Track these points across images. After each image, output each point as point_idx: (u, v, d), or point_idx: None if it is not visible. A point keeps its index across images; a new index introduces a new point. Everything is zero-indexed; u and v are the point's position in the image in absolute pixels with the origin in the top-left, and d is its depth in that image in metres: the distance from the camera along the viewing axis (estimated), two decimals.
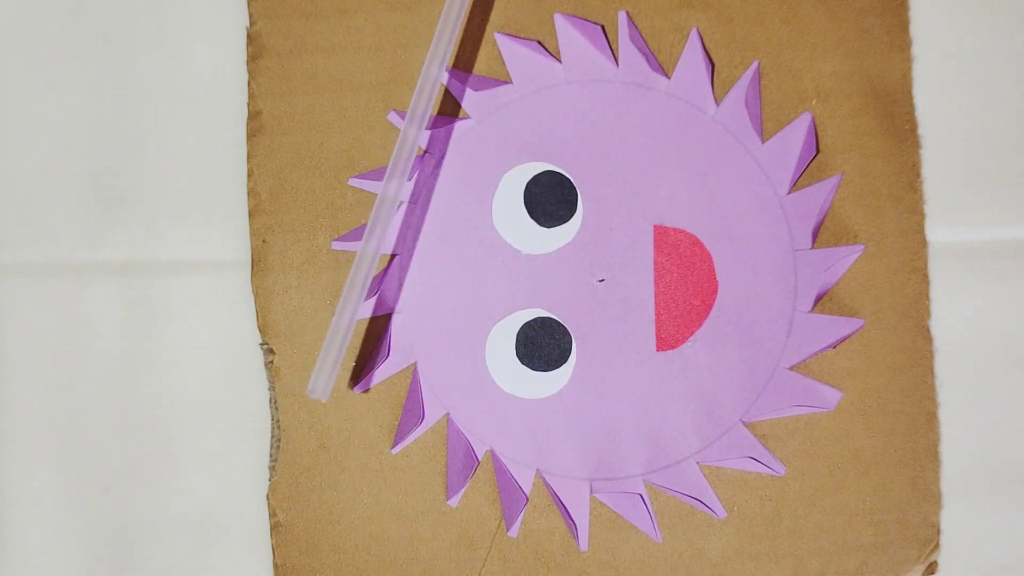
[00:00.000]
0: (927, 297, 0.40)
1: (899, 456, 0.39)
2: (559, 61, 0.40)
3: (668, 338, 0.39)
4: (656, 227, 0.39)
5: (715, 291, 0.39)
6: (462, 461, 0.39)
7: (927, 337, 0.39)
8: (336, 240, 0.39)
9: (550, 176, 0.39)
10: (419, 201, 0.40)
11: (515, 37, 0.40)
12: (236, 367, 0.41)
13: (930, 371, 0.39)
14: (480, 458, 0.39)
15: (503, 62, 0.40)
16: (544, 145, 0.40)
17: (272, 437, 0.40)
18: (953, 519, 0.39)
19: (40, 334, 0.41)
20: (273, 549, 0.40)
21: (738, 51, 0.40)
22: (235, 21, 0.41)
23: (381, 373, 0.39)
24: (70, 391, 0.41)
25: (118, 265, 0.41)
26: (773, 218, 0.39)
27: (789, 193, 0.39)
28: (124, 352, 0.41)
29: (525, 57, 0.40)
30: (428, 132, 0.39)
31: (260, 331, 0.40)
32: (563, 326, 0.39)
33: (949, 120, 0.40)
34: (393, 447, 0.39)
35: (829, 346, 0.39)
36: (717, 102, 0.39)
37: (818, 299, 0.39)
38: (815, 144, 0.40)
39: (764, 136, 0.40)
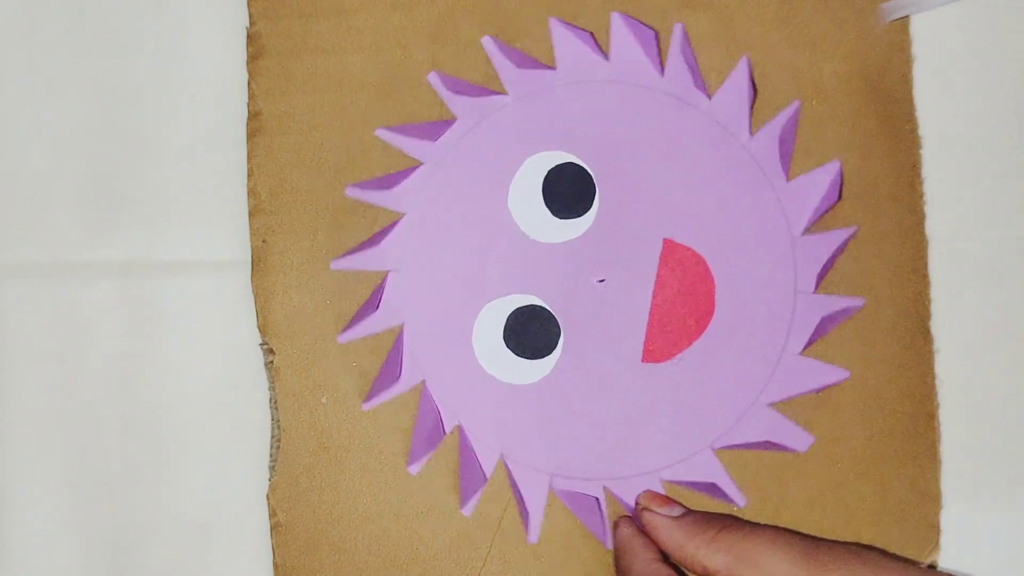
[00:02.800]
0: (927, 297, 0.40)
1: (899, 456, 0.39)
2: (607, 58, 0.40)
3: (656, 351, 0.39)
4: (666, 240, 0.39)
5: (711, 315, 0.39)
6: (429, 431, 0.39)
7: (927, 337, 0.39)
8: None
9: (573, 168, 0.39)
10: (439, 165, 0.39)
11: (569, 25, 0.40)
12: (236, 367, 0.41)
13: (930, 371, 0.39)
14: (447, 431, 0.39)
15: (552, 47, 0.40)
16: (574, 137, 0.39)
17: (272, 437, 0.40)
18: (953, 519, 0.39)
19: (40, 334, 0.41)
20: (273, 549, 0.40)
21: (738, 52, 0.40)
22: (235, 21, 0.41)
23: (366, 327, 0.39)
24: (70, 391, 0.41)
25: (118, 265, 0.41)
26: (782, 257, 0.39)
27: (803, 234, 0.39)
28: (124, 352, 0.41)
29: (575, 47, 0.39)
30: (464, 98, 0.39)
31: (260, 331, 0.40)
32: (554, 318, 0.39)
33: (949, 120, 0.40)
34: (364, 403, 0.39)
35: (811, 391, 0.39)
36: (752, 132, 0.39)
37: (809, 343, 0.39)
38: (839, 191, 0.39)
39: (790, 174, 0.39)
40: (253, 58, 0.40)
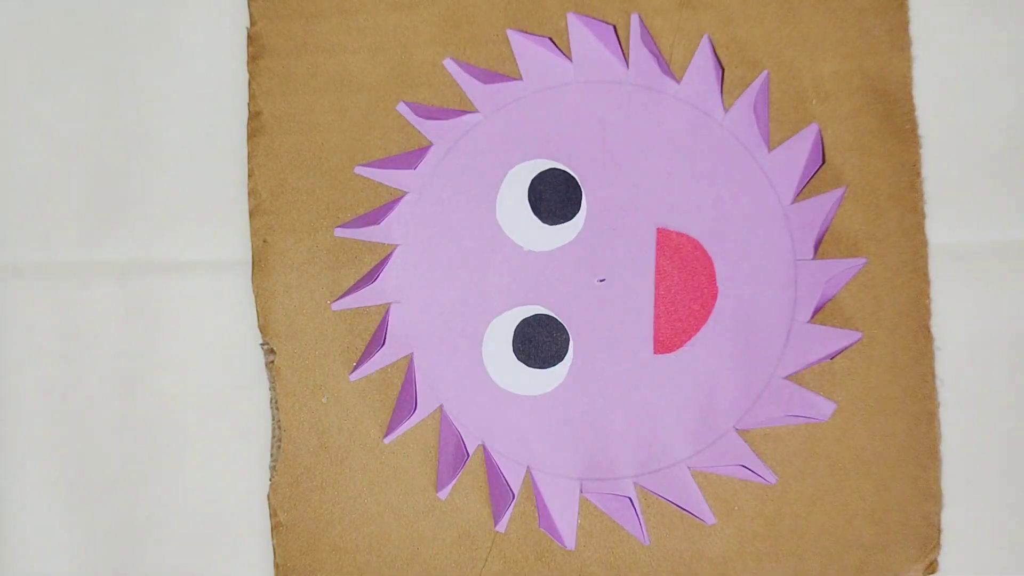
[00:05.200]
0: (927, 297, 0.40)
1: (899, 456, 0.39)
2: (570, 60, 0.40)
3: (666, 341, 0.39)
4: (659, 230, 0.39)
5: (715, 297, 0.39)
6: (452, 454, 0.39)
7: (927, 337, 0.39)
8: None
9: (555, 174, 0.39)
10: (423, 192, 0.40)
11: (527, 34, 0.40)
12: (236, 367, 0.41)
13: (930, 371, 0.39)
14: (471, 452, 0.39)
15: (514, 58, 0.40)
16: (551, 143, 0.40)
17: (273, 437, 0.40)
18: (953, 519, 0.39)
19: (40, 334, 0.41)
20: (273, 549, 0.40)
21: (738, 51, 0.40)
22: (236, 21, 0.41)
23: (376, 362, 0.39)
24: (70, 391, 0.41)
25: (118, 265, 0.41)
26: (776, 227, 0.39)
27: (793, 203, 0.39)
28: (124, 352, 0.41)
29: (537, 54, 0.40)
30: (436, 123, 0.39)
31: (261, 331, 0.40)
32: (561, 324, 0.39)
33: (949, 120, 0.40)
34: (385, 437, 0.39)
35: (826, 357, 0.39)
36: (726, 108, 0.39)
37: (817, 310, 0.39)
38: (821, 155, 0.39)
39: (771, 145, 0.40)
40: (254, 58, 0.40)
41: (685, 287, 0.39)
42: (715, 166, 0.39)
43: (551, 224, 0.39)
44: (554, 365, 0.39)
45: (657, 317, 0.39)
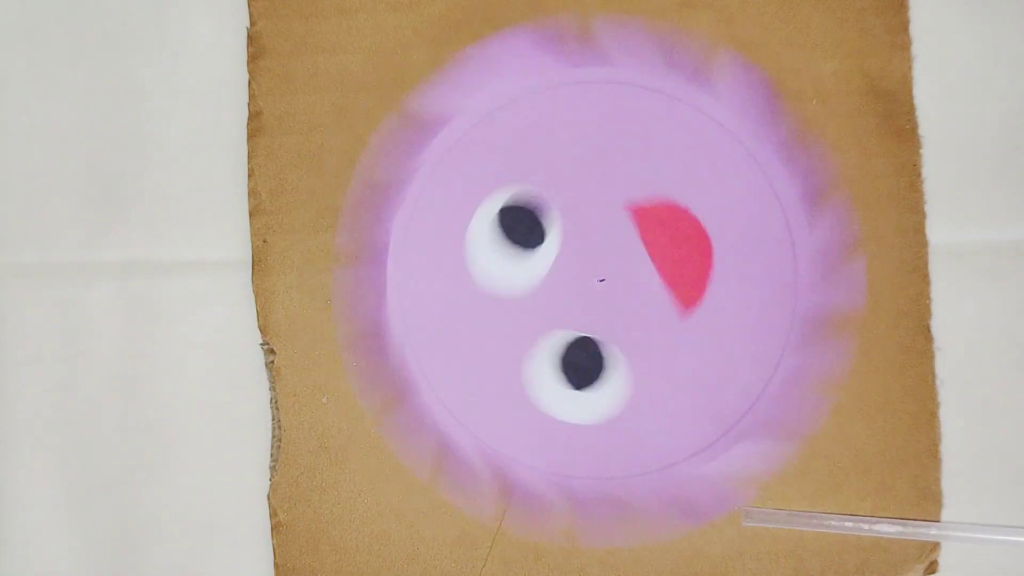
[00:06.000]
0: (927, 297, 0.40)
1: (900, 456, 0.39)
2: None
3: (685, 297, 0.39)
4: (631, 208, 0.39)
5: (707, 238, 0.39)
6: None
7: (927, 337, 0.39)
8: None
9: (516, 208, 0.40)
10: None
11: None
12: (236, 367, 0.41)
13: (930, 371, 0.39)
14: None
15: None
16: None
17: (273, 437, 0.40)
18: (953, 519, 0.39)
19: (40, 334, 0.41)
20: (273, 549, 0.40)
21: (738, 51, 0.40)
22: (236, 21, 0.41)
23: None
24: (70, 391, 0.41)
25: (118, 265, 0.41)
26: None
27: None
28: (124, 352, 0.41)
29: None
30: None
31: (261, 331, 0.40)
32: (598, 344, 0.39)
33: (949, 120, 0.40)
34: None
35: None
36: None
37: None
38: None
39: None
40: (254, 58, 0.40)
41: (677, 242, 0.39)
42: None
43: (527, 247, 0.40)
44: (595, 382, 0.39)
45: (669, 284, 0.39)
